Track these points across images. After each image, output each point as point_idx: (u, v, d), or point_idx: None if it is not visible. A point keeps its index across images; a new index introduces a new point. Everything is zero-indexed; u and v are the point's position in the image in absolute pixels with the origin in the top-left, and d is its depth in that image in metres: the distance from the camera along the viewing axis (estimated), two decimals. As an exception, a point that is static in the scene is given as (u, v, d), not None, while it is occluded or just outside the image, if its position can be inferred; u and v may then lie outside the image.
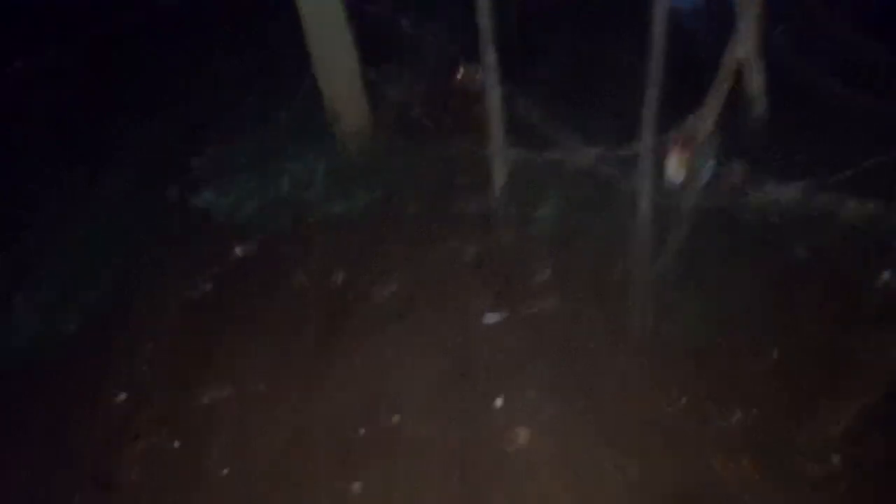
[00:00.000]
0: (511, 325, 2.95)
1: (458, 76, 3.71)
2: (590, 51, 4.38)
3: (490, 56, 2.82)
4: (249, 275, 3.32)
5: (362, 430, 2.59)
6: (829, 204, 2.66)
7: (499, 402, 2.63)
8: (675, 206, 2.87)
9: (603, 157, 2.81)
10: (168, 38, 4.48)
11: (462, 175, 3.62)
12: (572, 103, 3.97)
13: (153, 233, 3.50)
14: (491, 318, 2.98)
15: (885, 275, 2.72)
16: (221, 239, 3.48)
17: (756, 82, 2.57)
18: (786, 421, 2.46)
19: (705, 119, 2.40)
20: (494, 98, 2.93)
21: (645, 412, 2.56)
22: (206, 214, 3.59)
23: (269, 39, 4.22)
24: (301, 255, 3.40)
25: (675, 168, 3.43)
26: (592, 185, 3.19)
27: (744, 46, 2.38)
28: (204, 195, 3.65)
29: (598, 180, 3.14)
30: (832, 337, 2.63)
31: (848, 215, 2.70)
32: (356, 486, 2.42)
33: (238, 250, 3.45)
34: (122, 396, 2.81)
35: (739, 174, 2.39)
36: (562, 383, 2.67)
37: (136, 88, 4.26)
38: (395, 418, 2.61)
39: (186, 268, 3.30)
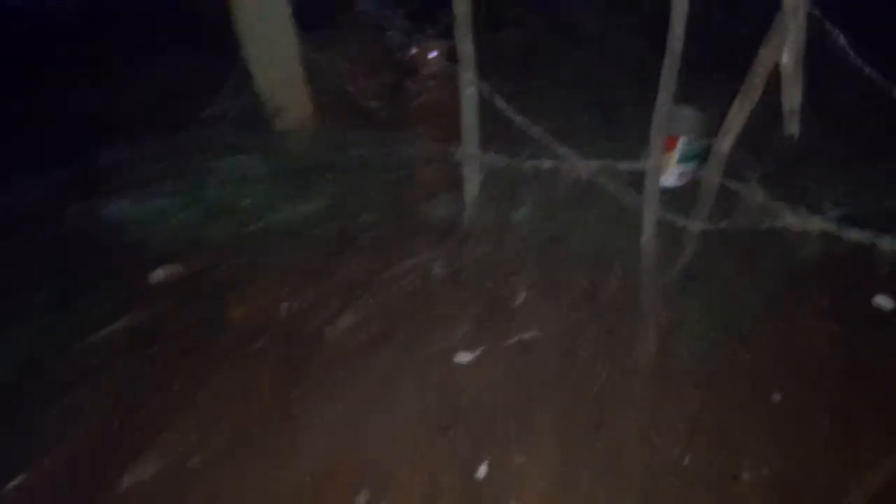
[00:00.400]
0: (494, 361, 2.46)
1: (413, 55, 3.13)
2: (566, 30, 3.89)
3: (467, 46, 2.26)
4: (175, 308, 2.72)
5: (323, 514, 2.08)
6: (855, 239, 2.22)
7: (482, 470, 2.14)
8: (682, 225, 2.38)
9: (590, 161, 2.30)
10: (72, 38, 3.89)
11: (425, 176, 3.09)
12: (551, 96, 3.47)
13: (52, 262, 2.84)
14: (466, 355, 2.48)
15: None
16: (138, 263, 2.87)
17: (794, 96, 2.08)
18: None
19: (728, 132, 1.91)
20: (470, 97, 2.38)
21: (651, 466, 2.12)
22: (119, 232, 2.96)
23: (187, 24, 3.58)
24: (239, 279, 2.82)
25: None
26: (578, 190, 2.69)
27: (787, 48, 1.86)
28: (116, 209, 3.01)
29: (585, 186, 2.64)
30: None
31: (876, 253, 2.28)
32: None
33: (159, 276, 2.85)
34: (16, 482, 2.21)
35: (758, 197, 1.92)
36: (558, 440, 2.20)
37: (32, 88, 3.59)
38: (363, 497, 2.10)
39: (94, 305, 2.67)
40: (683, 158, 2.84)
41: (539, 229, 2.80)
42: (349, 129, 3.20)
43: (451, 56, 3.01)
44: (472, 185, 2.68)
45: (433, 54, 3.01)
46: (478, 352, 2.45)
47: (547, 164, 2.27)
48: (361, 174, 3.13)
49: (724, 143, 1.96)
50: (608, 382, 2.33)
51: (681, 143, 2.81)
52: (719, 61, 3.69)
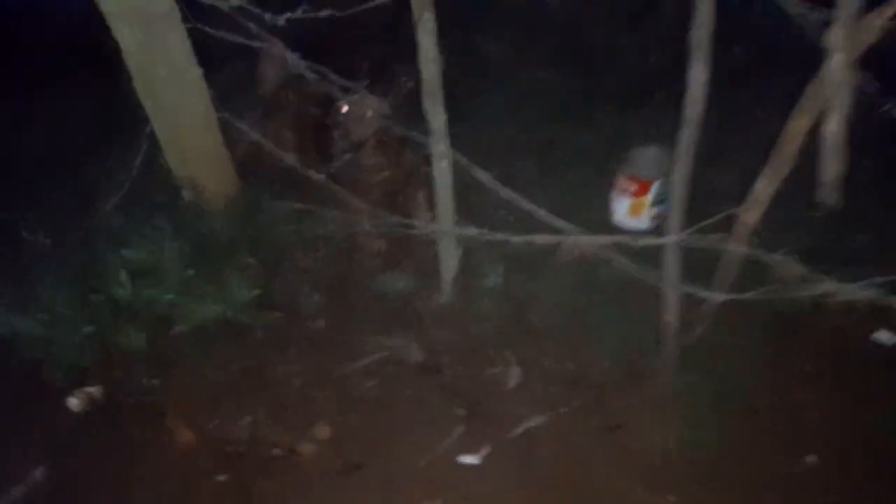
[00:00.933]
0: (496, 462, 2.26)
1: (343, 114, 2.80)
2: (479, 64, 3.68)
3: (437, 114, 2.00)
4: (101, 442, 2.27)
5: None
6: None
7: None
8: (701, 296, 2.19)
9: (596, 235, 2.13)
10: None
11: (373, 247, 2.79)
12: (484, 139, 3.27)
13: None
14: (469, 457, 2.26)
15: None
16: (44, 389, 2.37)
17: (834, 166, 1.95)
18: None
19: (755, 204, 1.81)
20: (443, 170, 2.12)
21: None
22: (11, 348, 2.42)
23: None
24: (176, 397, 2.41)
25: (626, 211, 2.89)
26: (569, 262, 2.53)
27: (833, 117, 1.75)
28: (3, 322, 2.46)
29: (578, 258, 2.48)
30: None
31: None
32: None
33: (74, 404, 2.37)
34: None
35: (789, 265, 1.84)
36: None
37: None
38: None
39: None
40: (657, 201, 2.78)
41: (525, 301, 2.60)
42: (275, 197, 2.82)
43: (387, 114, 2.74)
44: (449, 263, 2.43)
45: (368, 114, 2.71)
46: (484, 451, 2.23)
47: (541, 239, 2.07)
48: (297, 250, 2.77)
49: (751, 215, 1.86)
50: (624, 476, 2.19)
51: (655, 187, 2.73)
52: (638, 92, 3.70)
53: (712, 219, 1.87)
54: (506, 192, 2.11)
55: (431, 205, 2.76)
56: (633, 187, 2.79)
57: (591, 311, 2.52)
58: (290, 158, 2.76)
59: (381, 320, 2.61)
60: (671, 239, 1.88)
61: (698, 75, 1.62)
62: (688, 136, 1.71)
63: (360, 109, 2.74)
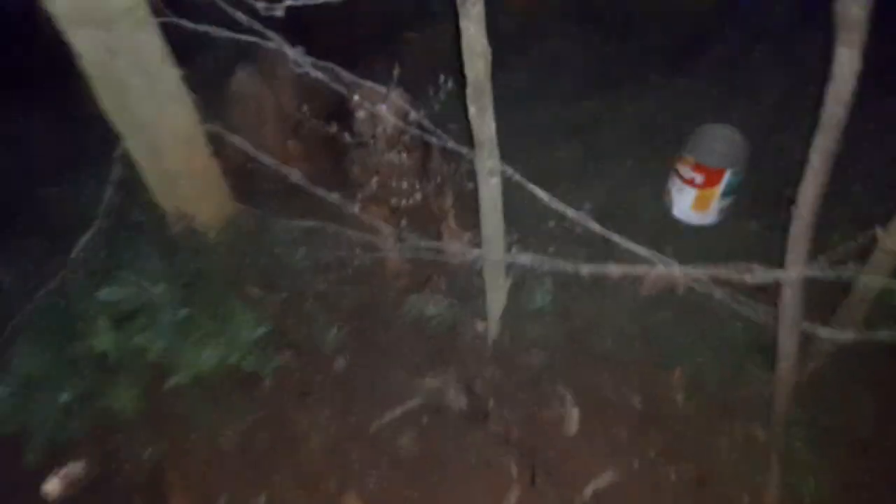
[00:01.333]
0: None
1: (353, 107, 2.36)
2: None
3: (486, 123, 1.58)
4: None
5: None
6: None
7: None
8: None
9: (691, 268, 1.70)
10: None
11: (397, 270, 2.40)
12: (562, 133, 2.85)
13: None
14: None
15: None
16: (23, 473, 1.98)
17: None
18: None
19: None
20: (492, 188, 1.70)
21: None
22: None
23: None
24: (176, 469, 2.03)
25: (691, 204, 2.48)
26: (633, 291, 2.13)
27: None
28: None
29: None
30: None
31: None
32: None
33: (51, 490, 1.99)
34: None
35: None
36: None
37: None
38: None
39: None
40: (727, 192, 2.39)
41: (581, 327, 2.22)
42: (279, 214, 2.41)
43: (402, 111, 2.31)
44: (497, 296, 2.03)
45: (382, 107, 2.28)
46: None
47: (617, 270, 1.67)
48: (306, 278, 2.37)
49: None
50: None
51: (727, 176, 2.34)
52: (680, 55, 3.28)
53: (842, 243, 1.49)
54: (563, 207, 1.69)
55: (465, 221, 2.37)
56: (701, 177, 2.38)
57: (658, 335, 2.14)
58: (296, 174, 2.31)
59: (412, 356, 2.23)
60: (794, 275, 1.48)
61: (847, 64, 1.21)
62: (824, 144, 1.30)
63: (374, 99, 2.31)
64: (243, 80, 2.49)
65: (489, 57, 1.48)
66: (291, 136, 2.54)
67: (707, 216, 2.47)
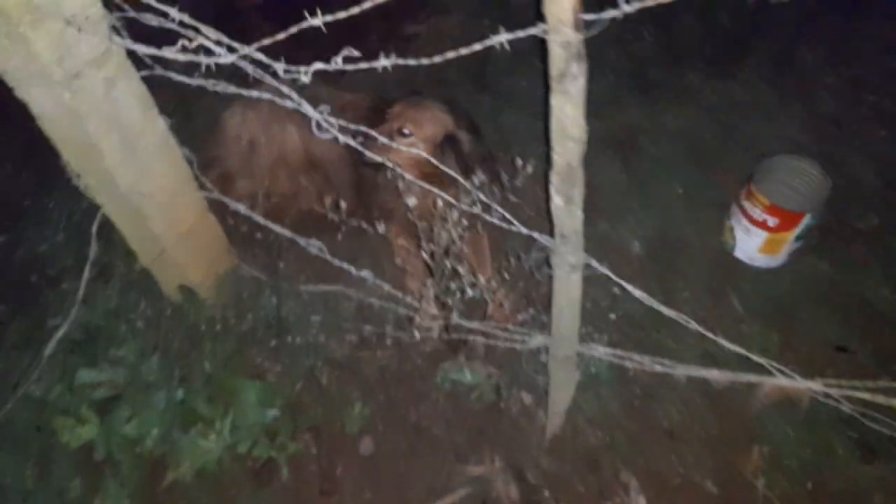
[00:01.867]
0: None
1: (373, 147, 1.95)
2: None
3: (572, 219, 1.23)
4: None
5: None
6: None
7: None
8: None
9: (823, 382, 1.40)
10: None
11: (428, 333, 2.07)
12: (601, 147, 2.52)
13: None
14: None
15: None
16: None
17: None
18: None
19: None
20: (573, 283, 1.36)
21: None
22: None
23: None
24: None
25: (759, 246, 2.18)
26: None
27: None
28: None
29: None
30: None
31: None
32: None
33: None
34: None
35: None
36: None
37: None
38: None
39: None
40: (802, 236, 2.11)
41: (641, 400, 1.95)
42: (279, 273, 2.07)
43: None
44: (562, 394, 1.73)
45: (407, 135, 1.91)
46: None
47: (724, 377, 1.37)
48: (318, 344, 2.05)
49: None
50: None
51: (806, 220, 2.06)
52: (725, 53, 2.95)
53: None
54: (657, 306, 1.37)
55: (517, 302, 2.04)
56: (775, 220, 2.08)
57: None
58: (315, 243, 1.88)
59: (450, 437, 1.94)
60: None
61: None
62: None
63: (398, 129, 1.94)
64: (236, 114, 2.10)
65: (585, 141, 1.14)
66: (303, 171, 2.17)
67: (775, 260, 2.19)
